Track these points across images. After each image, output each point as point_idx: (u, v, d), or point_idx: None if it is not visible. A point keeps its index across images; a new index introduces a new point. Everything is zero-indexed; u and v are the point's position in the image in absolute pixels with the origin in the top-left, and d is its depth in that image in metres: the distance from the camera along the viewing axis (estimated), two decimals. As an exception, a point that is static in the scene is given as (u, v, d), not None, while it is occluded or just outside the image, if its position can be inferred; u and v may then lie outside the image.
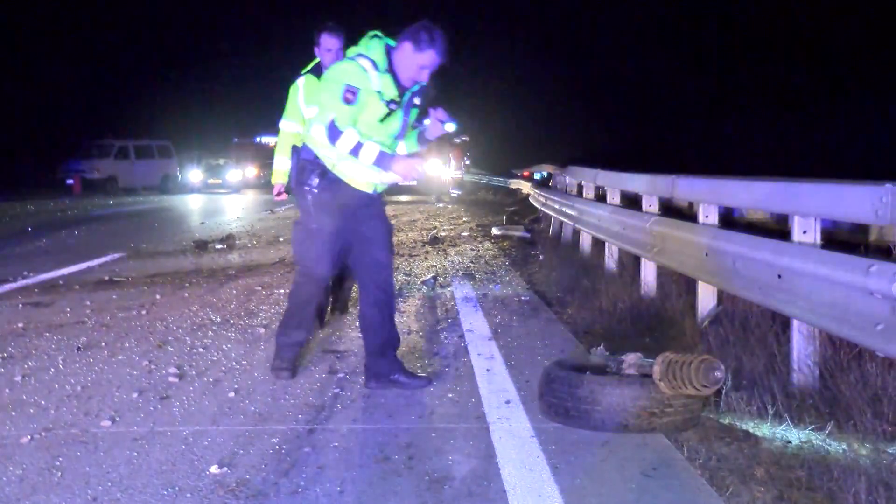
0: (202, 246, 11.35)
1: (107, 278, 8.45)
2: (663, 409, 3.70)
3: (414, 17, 4.40)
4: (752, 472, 3.30)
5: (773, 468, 3.32)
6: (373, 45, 4.35)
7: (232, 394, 4.36)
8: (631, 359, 3.95)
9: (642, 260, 6.83)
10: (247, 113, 44.73)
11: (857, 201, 3.95)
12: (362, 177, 4.42)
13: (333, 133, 4.25)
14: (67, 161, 29.63)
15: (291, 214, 18.38)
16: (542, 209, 13.59)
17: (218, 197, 28.36)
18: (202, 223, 16.31)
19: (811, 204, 4.36)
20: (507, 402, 4.20)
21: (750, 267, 4.63)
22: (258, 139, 42.80)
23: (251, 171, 36.53)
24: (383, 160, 4.28)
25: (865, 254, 4.41)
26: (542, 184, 17.42)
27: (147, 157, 31.22)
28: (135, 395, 4.34)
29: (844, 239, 6.41)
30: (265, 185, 35.38)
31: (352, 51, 4.41)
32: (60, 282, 8.25)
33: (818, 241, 4.39)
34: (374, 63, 4.28)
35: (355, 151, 4.26)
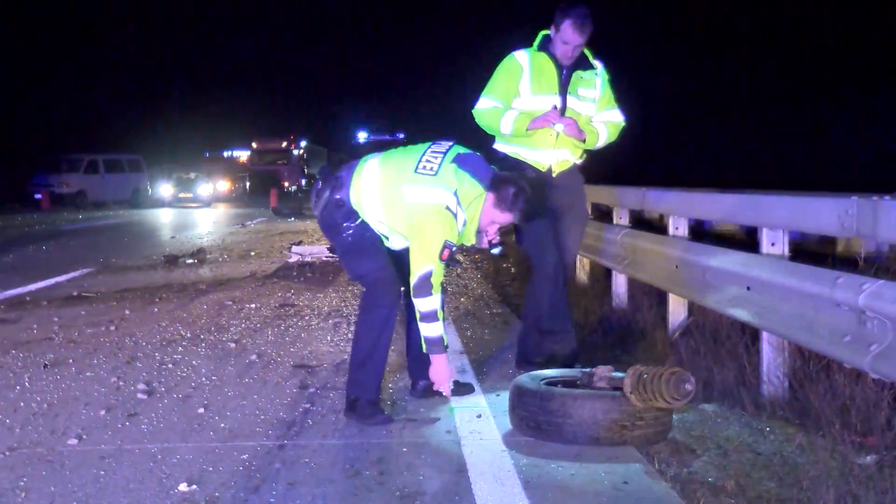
0: (172, 260, 11.25)
1: (75, 294, 8.35)
2: (634, 421, 3.70)
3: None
4: (723, 484, 3.31)
5: (743, 480, 3.33)
6: (474, 192, 4.04)
7: (201, 410, 4.31)
8: (602, 372, 3.95)
9: (613, 272, 6.86)
10: (217, 127, 44.54)
11: (823, 214, 3.99)
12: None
13: (425, 287, 3.95)
14: (35, 175, 29.29)
15: (263, 228, 18.36)
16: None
17: (189, 211, 28.16)
18: (173, 237, 16.17)
19: (778, 216, 4.40)
20: (479, 415, 4.19)
21: (720, 279, 4.66)
22: (228, 153, 42.69)
23: (222, 185, 36.38)
24: (436, 346, 4.06)
25: (833, 266, 4.46)
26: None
27: (117, 171, 30.95)
28: (102, 412, 4.27)
29: (814, 250, 6.48)
30: (236, 198, 35.30)
31: (464, 181, 4.03)
32: (27, 298, 8.14)
33: (786, 253, 4.43)
34: (463, 219, 4.04)
35: (428, 318, 4.00)
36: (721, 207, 5.20)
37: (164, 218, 23.84)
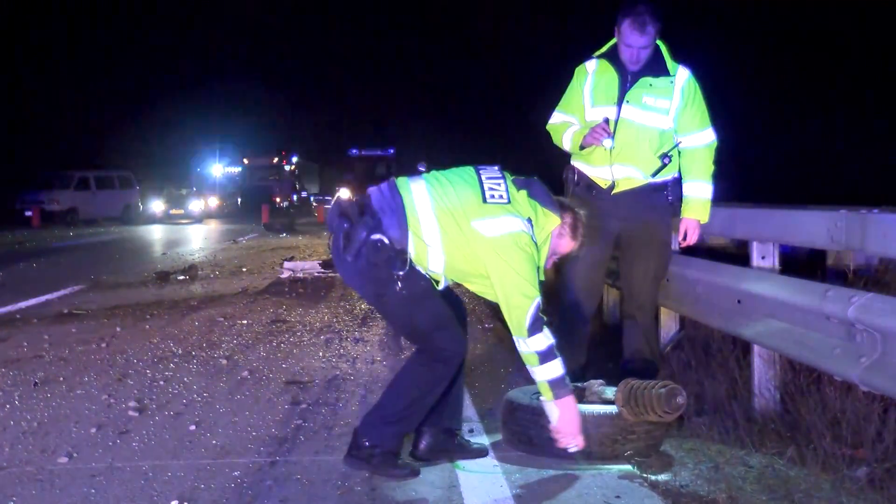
0: (164, 277, 11.23)
1: (66, 311, 8.33)
2: (626, 435, 3.71)
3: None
4: (715, 497, 3.31)
5: (735, 493, 3.34)
6: (549, 221, 3.65)
7: (193, 427, 4.30)
8: (593, 386, 3.96)
9: (605, 287, 6.87)
10: (210, 143, 44.51)
11: (812, 227, 4.01)
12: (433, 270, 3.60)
13: (538, 322, 3.47)
14: (26, 192, 29.24)
15: (254, 244, 18.34)
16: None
17: (180, 227, 28.13)
18: (164, 254, 16.15)
19: (768, 230, 4.43)
20: (471, 430, 4.19)
21: (710, 292, 4.68)
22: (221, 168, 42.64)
23: (213, 200, 36.36)
24: (562, 387, 3.53)
25: (822, 279, 4.48)
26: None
27: (108, 187, 30.91)
28: (93, 430, 4.26)
29: (805, 262, 6.49)
30: (227, 215, 35.26)
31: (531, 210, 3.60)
32: (18, 315, 8.11)
33: (777, 266, 4.46)
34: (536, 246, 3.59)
35: (549, 356, 3.48)
36: (713, 221, 5.22)
37: (155, 234, 23.80)
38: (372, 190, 3.58)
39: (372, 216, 3.47)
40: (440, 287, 3.63)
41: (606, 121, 4.51)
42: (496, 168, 3.67)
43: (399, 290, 3.47)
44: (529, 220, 3.56)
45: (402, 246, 3.45)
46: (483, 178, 3.59)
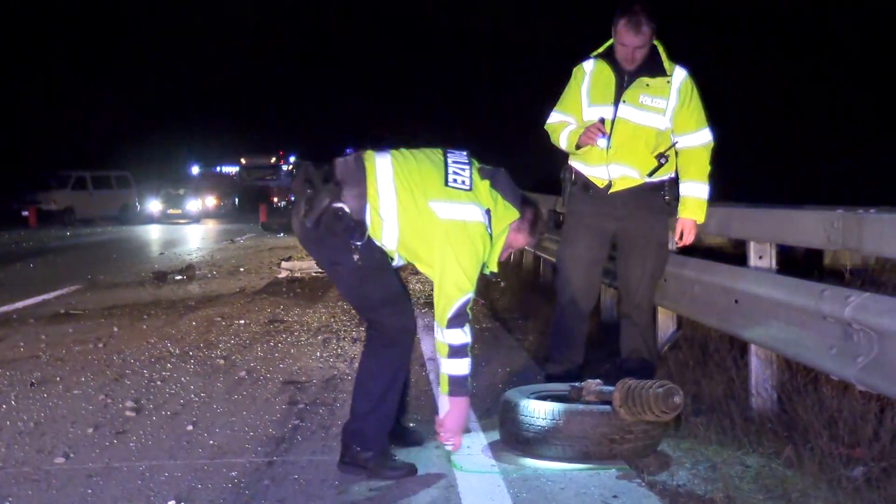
0: (161, 277, 11.22)
1: (63, 311, 8.33)
2: (623, 435, 3.71)
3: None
4: (712, 497, 3.32)
5: (732, 492, 3.34)
6: (508, 215, 3.68)
7: (190, 427, 4.30)
8: (590, 386, 3.96)
9: (602, 287, 6.87)
10: (206, 143, 44.49)
11: (809, 227, 4.01)
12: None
13: (462, 316, 3.50)
14: (22, 192, 29.20)
15: (252, 244, 18.31)
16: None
17: (178, 227, 28.10)
18: (161, 254, 16.14)
19: (766, 230, 4.43)
20: (468, 430, 4.18)
21: (708, 292, 4.68)
22: (217, 168, 42.65)
23: (211, 200, 36.33)
24: (462, 386, 3.58)
25: (819, 278, 4.48)
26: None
27: (105, 187, 30.88)
28: (90, 430, 4.26)
29: (803, 262, 6.50)
30: (225, 215, 35.23)
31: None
32: (14, 315, 8.11)
33: (774, 266, 4.45)
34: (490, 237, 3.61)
35: (460, 352, 3.52)
36: (710, 221, 5.22)
37: (152, 234, 23.78)
38: (338, 160, 3.57)
39: (335, 184, 3.47)
40: (395, 264, 3.63)
41: (602, 120, 4.53)
42: (464, 153, 3.66)
43: (356, 260, 3.47)
44: (488, 212, 3.58)
45: (360, 217, 3.45)
46: (449, 161, 3.60)
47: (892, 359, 3.21)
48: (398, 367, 3.61)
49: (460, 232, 3.47)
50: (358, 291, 3.61)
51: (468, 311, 3.52)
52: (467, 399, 3.62)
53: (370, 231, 3.48)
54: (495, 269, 3.73)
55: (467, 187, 3.53)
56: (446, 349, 3.52)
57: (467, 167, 3.60)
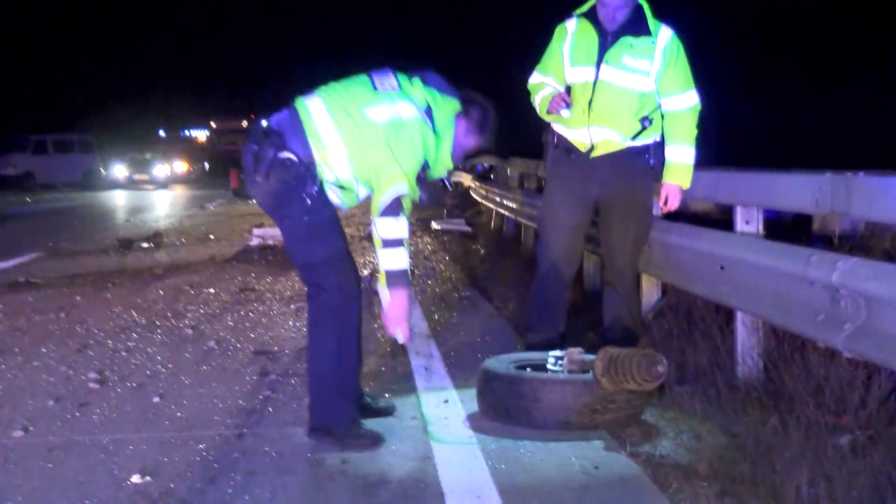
0: (127, 244, 11.14)
1: (22, 280, 8.24)
2: (606, 405, 3.73)
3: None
4: (696, 467, 3.34)
5: (716, 463, 3.37)
6: (448, 107, 3.79)
7: (157, 399, 4.29)
8: (572, 354, 3.97)
9: (585, 253, 6.88)
10: (174, 106, 44.08)
11: (797, 191, 4.03)
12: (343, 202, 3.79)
13: (394, 206, 3.59)
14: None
15: (223, 211, 18.20)
16: (484, 202, 13.63)
17: (144, 193, 27.90)
18: (127, 220, 16.04)
19: (753, 194, 4.44)
20: (446, 401, 4.21)
21: (693, 258, 4.69)
22: (186, 132, 42.31)
23: (180, 165, 36.05)
24: (400, 278, 3.64)
25: (808, 244, 4.50)
26: (484, 176, 17.44)
27: (67, 151, 30.54)
28: (51, 402, 4.23)
29: (791, 228, 6.53)
30: (194, 180, 34.99)
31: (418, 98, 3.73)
32: (-28, 284, 8.03)
33: (761, 231, 4.47)
34: (435, 133, 3.74)
35: (393, 244, 3.60)
36: (696, 185, 5.22)
37: (118, 200, 23.60)
38: (272, 115, 3.72)
39: (277, 135, 3.61)
40: (359, 198, 3.77)
41: (568, 90, 4.55)
42: (387, 68, 3.80)
43: (302, 212, 3.60)
44: (428, 110, 3.71)
45: (308, 159, 3.58)
46: (373, 75, 3.75)
47: (880, 325, 3.24)
48: (346, 331, 3.67)
49: (398, 130, 3.61)
50: (303, 246, 3.71)
51: (403, 203, 3.63)
52: (407, 290, 3.69)
53: (320, 171, 3.61)
54: (450, 166, 3.85)
55: (397, 89, 3.69)
56: (380, 241, 3.63)
57: (392, 75, 3.76)
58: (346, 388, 3.70)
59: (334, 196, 3.70)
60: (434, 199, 3.80)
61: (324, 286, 3.66)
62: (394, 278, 3.63)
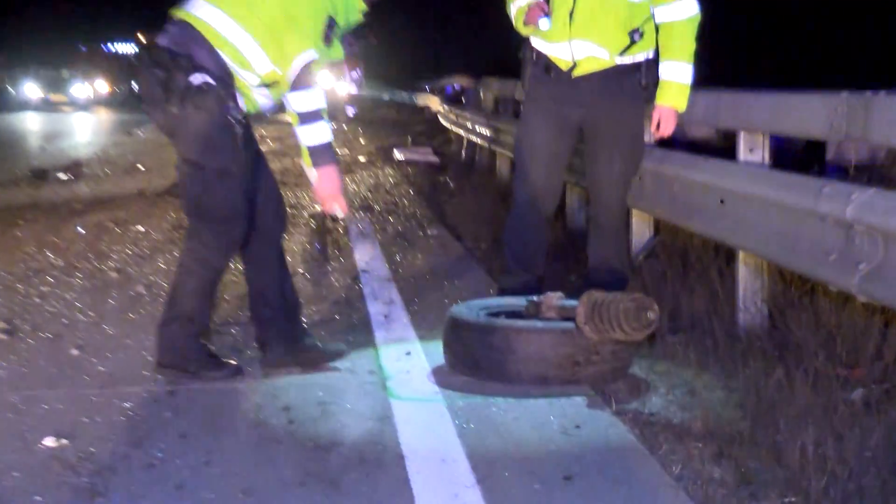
0: (41, 175, 11.05)
1: (-82, 216, 8.14)
2: (589, 357, 3.73)
3: None
4: (690, 426, 3.36)
5: (713, 421, 3.39)
6: None
7: (75, 351, 4.27)
8: (550, 300, 3.97)
9: (568, 187, 6.87)
10: (96, 15, 43.29)
11: (809, 113, 4.01)
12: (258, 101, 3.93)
13: (306, 76, 3.77)
14: None
15: (154, 138, 17.94)
16: (454, 129, 13.57)
17: (62, 116, 27.51)
18: (42, 148, 15.85)
19: (758, 117, 4.43)
20: (408, 353, 4.21)
21: (690, 191, 4.70)
22: (110, 46, 41.60)
23: (102, 85, 35.55)
24: (325, 154, 3.87)
25: (820, 175, 4.51)
26: (454, 99, 17.35)
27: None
28: (-48, 355, 4.20)
29: (802, 159, 6.56)
30: (120, 103, 34.51)
31: None
32: None
33: (767, 160, 4.47)
34: None
35: (311, 117, 3.80)
36: (694, 109, 5.20)
37: (30, 124, 23.29)
38: (160, 36, 3.79)
39: (185, 58, 3.68)
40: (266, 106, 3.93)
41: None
42: None
43: (226, 165, 3.75)
44: None
45: (223, 72, 3.70)
46: None
47: (899, 265, 3.25)
48: (213, 272, 3.95)
49: None
50: (198, 199, 3.84)
51: (314, 70, 3.78)
52: (335, 165, 3.92)
53: (242, 85, 3.76)
54: (362, 6, 3.99)
55: None
56: (296, 117, 3.81)
57: None
58: (201, 318, 3.97)
59: (264, 99, 3.88)
60: (363, 45, 3.99)
61: (204, 243, 3.89)
62: (318, 154, 3.84)
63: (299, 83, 3.76)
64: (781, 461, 3.01)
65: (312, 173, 3.89)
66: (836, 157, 6.21)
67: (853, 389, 3.49)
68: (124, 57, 40.29)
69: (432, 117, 17.07)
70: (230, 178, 3.77)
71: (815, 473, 2.82)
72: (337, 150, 3.95)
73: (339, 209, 3.98)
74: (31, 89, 32.71)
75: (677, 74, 4.58)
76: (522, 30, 4.65)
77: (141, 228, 7.48)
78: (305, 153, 3.86)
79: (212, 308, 4.12)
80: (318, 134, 3.82)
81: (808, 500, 2.72)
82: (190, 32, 3.70)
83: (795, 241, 3.81)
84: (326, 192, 3.90)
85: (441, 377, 3.90)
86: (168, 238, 7.06)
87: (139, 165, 12.56)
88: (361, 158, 13.77)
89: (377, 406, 3.59)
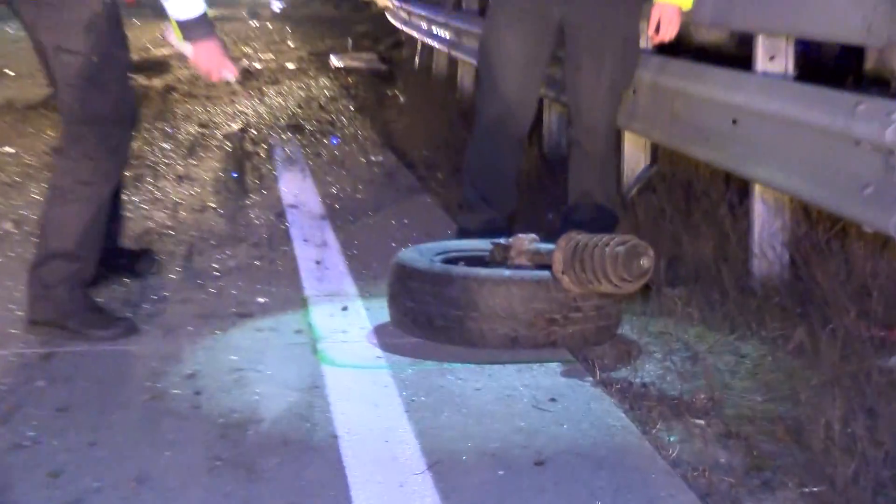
0: None
1: None
2: (567, 314, 3.74)
3: None
4: (691, 399, 3.38)
5: (719, 393, 3.41)
6: None
7: (-77, 305, 4.24)
8: (522, 243, 3.96)
9: (545, 102, 6.85)
10: None
11: (842, 12, 4.00)
12: None
13: None
14: None
15: (26, 36, 17.57)
16: (405, 30, 13.48)
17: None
18: None
19: (780, 16, 4.40)
20: (344, 308, 4.22)
21: (695, 109, 4.70)
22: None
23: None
24: (203, 26, 4.01)
25: (856, 89, 4.51)
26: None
27: None
28: None
29: (833, 69, 6.58)
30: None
31: None
32: None
33: (791, 71, 4.46)
34: None
35: None
36: (701, 7, 5.19)
37: None
38: None
39: None
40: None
41: None
42: None
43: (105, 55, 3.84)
44: None
45: None
46: None
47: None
48: (101, 193, 3.94)
49: None
50: (84, 92, 3.86)
51: None
52: (214, 39, 4.05)
53: None
54: None
55: None
56: None
57: None
58: (90, 255, 3.97)
59: None
60: None
61: (87, 150, 3.90)
62: (191, 29, 3.96)
63: None
64: (801, 442, 3.03)
65: (187, 48, 4.01)
66: (875, 67, 6.22)
67: (890, 355, 3.51)
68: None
69: (379, 14, 16.91)
70: (117, 65, 3.90)
71: (841, 457, 2.82)
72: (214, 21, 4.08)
73: (229, 73, 4.13)
74: None
75: None
76: None
77: (9, 150, 7.42)
78: (176, 28, 3.96)
79: (100, 245, 4.04)
80: (188, 6, 3.92)
81: (833, 490, 2.72)
82: None
83: (824, 170, 3.82)
84: (210, 64, 4.08)
85: (385, 339, 3.90)
86: (44, 163, 7.01)
87: (7, 70, 12.42)
88: (290, 65, 13.66)
89: (305, 374, 3.58)
